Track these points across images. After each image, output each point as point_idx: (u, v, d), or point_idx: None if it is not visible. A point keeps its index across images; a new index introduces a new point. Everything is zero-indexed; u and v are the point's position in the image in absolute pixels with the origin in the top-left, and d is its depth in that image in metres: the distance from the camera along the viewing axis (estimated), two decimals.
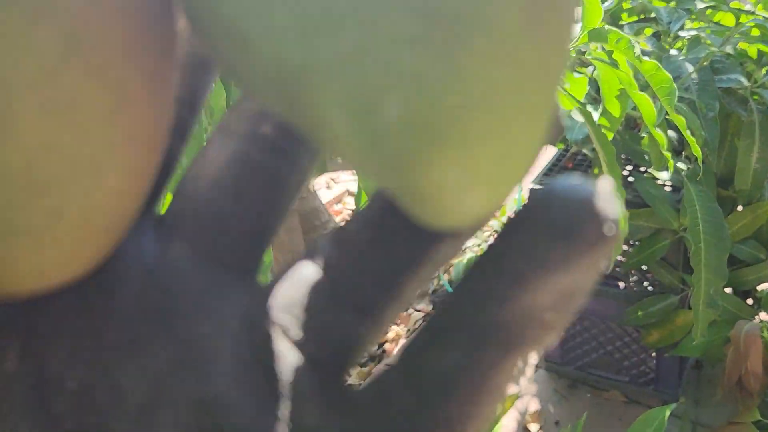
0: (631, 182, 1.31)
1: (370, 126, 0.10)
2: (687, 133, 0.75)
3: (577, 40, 0.73)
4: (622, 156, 1.45)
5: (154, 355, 0.14)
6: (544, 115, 0.12)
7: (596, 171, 1.12)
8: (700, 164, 1.04)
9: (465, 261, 2.14)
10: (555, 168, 1.48)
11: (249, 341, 0.15)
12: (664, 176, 1.28)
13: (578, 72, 0.84)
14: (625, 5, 1.32)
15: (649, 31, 1.38)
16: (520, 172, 0.13)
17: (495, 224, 2.30)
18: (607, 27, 0.70)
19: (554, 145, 1.29)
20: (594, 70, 0.91)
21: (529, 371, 1.71)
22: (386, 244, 0.15)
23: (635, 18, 1.29)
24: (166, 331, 0.14)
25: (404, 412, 0.14)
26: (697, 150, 0.76)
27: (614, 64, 0.78)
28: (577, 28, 0.74)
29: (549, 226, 0.13)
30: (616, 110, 0.86)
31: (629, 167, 1.43)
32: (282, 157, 0.17)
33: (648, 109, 0.76)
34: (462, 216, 0.13)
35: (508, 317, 0.13)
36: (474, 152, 0.11)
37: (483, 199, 0.12)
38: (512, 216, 0.14)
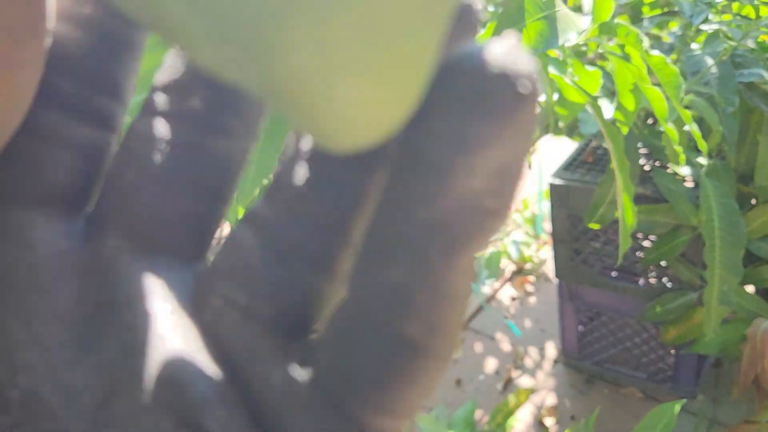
0: (650, 177, 1.30)
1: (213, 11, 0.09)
2: (693, 128, 0.75)
3: (587, 34, 0.73)
4: (642, 150, 1.44)
5: (102, 349, 0.14)
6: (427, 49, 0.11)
7: (611, 165, 1.11)
8: (706, 158, 1.03)
9: (485, 254, 2.14)
10: (575, 162, 1.47)
11: (198, 319, 0.15)
12: (684, 171, 1.27)
13: (591, 65, 0.83)
14: None
15: (674, 25, 1.36)
16: (418, 59, 0.11)
17: (518, 218, 2.30)
18: (616, 20, 0.69)
19: (572, 138, 1.28)
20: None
21: (547, 365, 1.71)
22: (319, 186, 0.14)
23: (658, 11, 1.28)
24: (109, 324, 0.14)
25: (366, 344, 0.13)
26: (702, 145, 0.76)
27: (626, 58, 0.78)
28: (588, 21, 0.74)
29: (458, 103, 0.12)
30: (630, 104, 0.86)
31: (650, 162, 1.42)
32: (215, 134, 0.16)
33: (660, 103, 0.76)
34: (351, 119, 0.11)
35: (445, 214, 0.12)
36: (343, 23, 0.09)
37: (369, 92, 0.10)
38: (417, 106, 0.13)
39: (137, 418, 0.13)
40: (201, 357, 0.14)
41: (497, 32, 0.63)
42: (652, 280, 1.41)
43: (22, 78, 0.13)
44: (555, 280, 2.02)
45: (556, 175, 1.43)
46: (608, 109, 0.90)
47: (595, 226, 1.20)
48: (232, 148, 0.16)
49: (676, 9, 1.25)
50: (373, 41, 0.09)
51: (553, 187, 1.42)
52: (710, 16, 1.12)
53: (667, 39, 1.21)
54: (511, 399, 1.45)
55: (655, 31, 1.32)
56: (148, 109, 0.16)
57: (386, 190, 0.13)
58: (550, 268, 2.08)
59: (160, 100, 0.16)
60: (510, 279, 2.08)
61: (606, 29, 0.71)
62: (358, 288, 0.14)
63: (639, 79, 0.76)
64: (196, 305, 0.15)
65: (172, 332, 0.14)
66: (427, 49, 0.11)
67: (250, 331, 0.14)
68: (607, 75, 0.99)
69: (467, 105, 0.12)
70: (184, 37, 0.10)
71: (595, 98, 0.75)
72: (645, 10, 1.21)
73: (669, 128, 0.77)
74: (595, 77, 0.81)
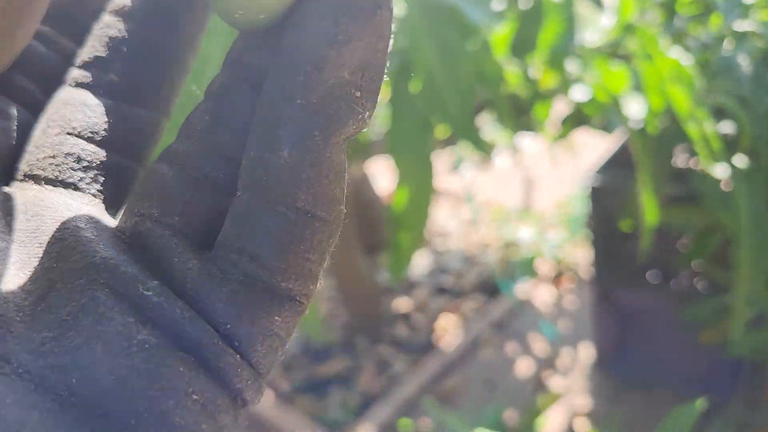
0: (683, 176, 1.28)
1: None
2: (710, 128, 0.74)
3: (609, 35, 0.73)
4: (677, 148, 1.41)
5: (35, 261, 0.16)
6: None
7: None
8: (744, 158, 1.01)
9: (522, 254, 2.13)
10: (613, 162, 1.46)
11: (122, 233, 0.17)
12: (720, 173, 1.25)
13: (622, 62, 0.83)
14: None
15: (716, 21, 1.33)
16: None
17: (557, 217, 2.28)
18: (636, 21, 0.70)
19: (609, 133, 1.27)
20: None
21: (581, 367, 1.69)
22: (218, 124, 0.17)
23: (693, 9, 1.25)
24: (40, 243, 0.16)
25: (264, 219, 0.16)
26: (716, 145, 0.75)
27: (650, 57, 0.77)
28: (612, 20, 0.74)
29: (328, 6, 0.15)
30: (657, 103, 0.86)
31: (688, 161, 1.39)
32: (132, 104, 0.19)
33: (680, 102, 0.76)
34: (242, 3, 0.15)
35: (321, 99, 0.15)
36: None
37: None
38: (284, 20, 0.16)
39: (75, 298, 0.15)
40: (127, 251, 0.16)
41: (521, 34, 0.64)
42: (688, 283, 1.39)
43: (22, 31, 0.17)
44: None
45: (594, 175, 1.42)
46: (637, 108, 0.90)
47: (627, 229, 1.19)
48: (147, 118, 0.19)
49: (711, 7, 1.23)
50: None
51: (589, 187, 1.41)
52: (746, 16, 1.10)
53: (701, 37, 1.19)
54: (542, 399, 1.45)
55: (690, 30, 1.29)
56: (76, 82, 0.19)
57: (269, 83, 0.16)
58: (586, 270, 2.06)
59: (86, 74, 0.19)
60: (546, 280, 2.07)
61: (627, 30, 0.71)
62: (252, 172, 0.16)
63: (661, 79, 0.76)
64: (119, 226, 0.17)
65: (97, 235, 0.16)
66: None
67: (164, 235, 0.16)
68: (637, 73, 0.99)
69: (335, 8, 0.15)
70: None
71: (616, 98, 0.75)
72: (678, 7, 1.19)
73: (691, 128, 0.76)
74: (621, 76, 0.81)
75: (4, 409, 0.13)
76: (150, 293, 0.15)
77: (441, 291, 2.13)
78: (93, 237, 0.16)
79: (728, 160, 1.17)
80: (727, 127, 1.21)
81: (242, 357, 0.16)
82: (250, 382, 0.16)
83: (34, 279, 0.16)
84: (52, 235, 0.16)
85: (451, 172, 2.95)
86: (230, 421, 0.16)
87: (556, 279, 2.03)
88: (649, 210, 0.77)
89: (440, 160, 3.03)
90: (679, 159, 1.43)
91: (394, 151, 0.68)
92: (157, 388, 0.15)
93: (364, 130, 0.17)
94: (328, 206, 0.16)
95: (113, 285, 0.15)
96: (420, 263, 2.29)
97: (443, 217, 2.58)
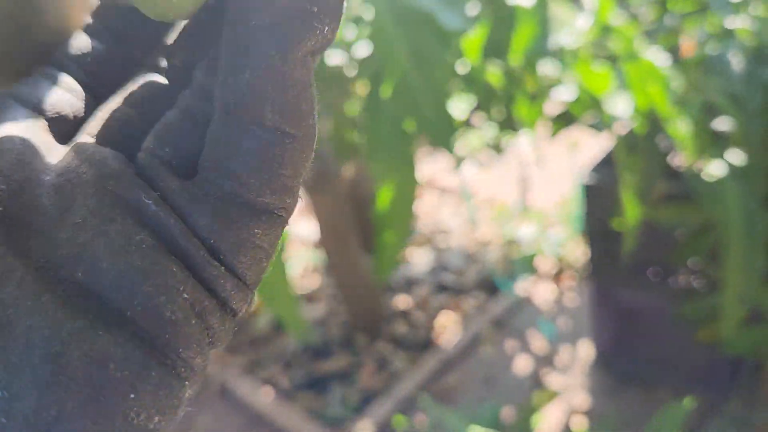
0: (679, 174, 1.28)
1: None
2: (680, 128, 0.74)
3: (587, 36, 0.73)
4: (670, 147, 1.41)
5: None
6: None
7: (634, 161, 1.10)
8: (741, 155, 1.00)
9: (523, 252, 2.13)
10: (610, 160, 1.45)
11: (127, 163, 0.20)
12: (714, 169, 1.24)
13: (599, 65, 0.83)
14: None
15: (713, 20, 1.32)
16: None
17: (558, 215, 2.27)
18: (613, 23, 0.69)
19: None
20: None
21: (580, 365, 1.69)
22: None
23: (689, 6, 1.25)
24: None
25: (237, 141, 0.17)
26: (678, 135, 0.75)
27: (632, 56, 0.77)
28: (590, 22, 0.74)
29: None
30: (643, 101, 0.85)
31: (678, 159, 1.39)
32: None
33: (661, 102, 0.75)
34: (164, 9, 0.18)
35: (277, 17, 0.16)
36: None
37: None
38: None
39: (87, 203, 0.17)
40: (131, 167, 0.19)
41: (493, 38, 0.64)
42: (684, 280, 1.38)
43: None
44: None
45: (589, 174, 1.42)
46: (620, 106, 0.90)
47: (619, 227, 1.18)
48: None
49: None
50: None
51: (585, 186, 1.41)
52: (738, 12, 1.09)
53: (693, 35, 1.19)
54: (539, 395, 1.45)
55: (684, 27, 1.29)
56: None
57: (228, 11, 0.17)
58: (585, 267, 2.05)
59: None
60: (546, 278, 2.07)
61: (605, 31, 0.71)
62: (222, 96, 0.17)
63: (643, 79, 0.76)
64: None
65: (108, 155, 0.19)
66: None
67: (153, 163, 0.18)
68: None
69: None
70: None
71: (596, 100, 0.75)
72: (670, 4, 1.19)
73: (673, 128, 0.76)
74: (604, 77, 0.81)
75: (22, 294, 0.16)
76: (150, 202, 0.17)
77: (441, 288, 2.13)
78: (106, 155, 0.18)
79: (720, 157, 1.17)
80: (720, 123, 1.20)
81: (227, 269, 0.18)
82: (234, 291, 0.18)
83: (61, 187, 0.18)
84: (78, 156, 0.18)
85: (452, 170, 2.95)
86: (218, 325, 0.18)
87: (557, 276, 2.03)
88: (631, 211, 0.77)
89: (440, 159, 3.03)
90: (674, 157, 1.43)
91: (370, 155, 0.68)
92: (151, 285, 0.16)
93: (328, 46, 0.18)
94: (296, 122, 0.17)
95: (118, 192, 0.17)
96: (420, 261, 2.29)
97: (444, 215, 2.58)
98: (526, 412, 1.43)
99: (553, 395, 1.41)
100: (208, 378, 1.93)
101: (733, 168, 1.08)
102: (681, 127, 0.70)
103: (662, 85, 0.70)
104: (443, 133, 0.66)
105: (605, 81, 0.80)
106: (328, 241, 1.79)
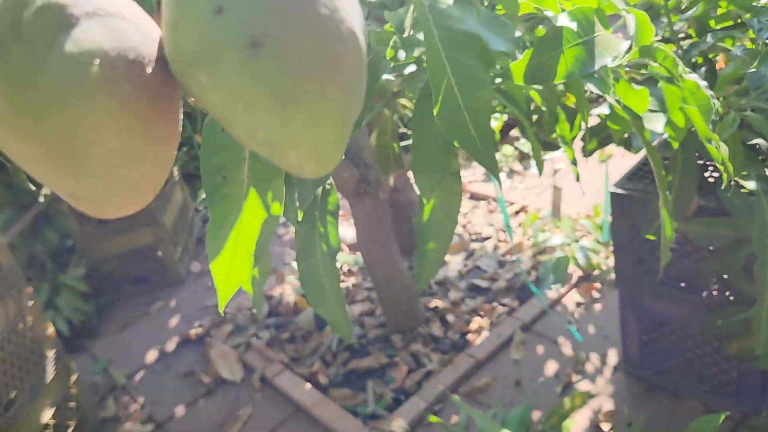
0: (714, 190, 1.31)
1: (256, 136, 0.27)
2: (722, 150, 0.78)
3: (628, 57, 0.78)
4: (708, 162, 1.43)
5: None
6: (337, 132, 0.26)
7: (669, 177, 1.13)
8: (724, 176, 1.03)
9: (553, 260, 2.16)
10: (639, 172, 1.49)
11: None
12: (750, 185, 1.27)
13: (638, 84, 0.88)
14: (720, 11, 1.30)
15: (750, 36, 1.35)
16: (333, 158, 0.27)
17: (588, 224, 2.30)
18: (655, 44, 0.74)
19: (630, 150, 1.30)
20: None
21: (607, 371, 1.72)
22: None
23: (728, 23, 1.28)
24: None
25: None
26: (729, 166, 0.78)
27: (671, 80, 0.82)
28: (628, 44, 0.79)
29: None
30: (680, 120, 0.90)
31: (715, 174, 1.41)
32: None
33: (700, 123, 0.80)
34: (305, 173, 0.27)
35: None
36: (304, 149, 0.27)
37: (314, 170, 0.27)
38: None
39: None
40: None
41: (534, 59, 0.69)
42: (715, 293, 1.41)
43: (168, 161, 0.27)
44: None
45: (619, 184, 1.45)
46: (659, 125, 0.94)
47: (651, 237, 1.22)
48: None
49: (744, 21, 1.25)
50: (320, 156, 0.29)
51: (615, 196, 1.44)
52: None
53: (731, 47, 1.22)
54: (567, 402, 1.49)
55: (727, 43, 1.31)
56: None
57: None
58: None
59: None
60: (576, 285, 2.10)
61: (646, 53, 0.76)
62: None
63: (682, 100, 0.80)
64: None
65: None
66: (337, 153, 0.29)
67: None
68: (660, 91, 1.03)
69: None
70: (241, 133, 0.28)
71: (638, 117, 0.80)
72: (711, 23, 1.22)
73: (711, 148, 0.80)
74: (643, 96, 0.86)
75: None
76: None
77: (475, 293, 2.18)
78: None
79: (756, 173, 1.20)
80: (756, 140, 1.23)
81: None
82: None
83: None
84: None
85: (485, 179, 2.99)
86: None
87: (587, 284, 2.06)
88: (667, 227, 0.81)
89: (474, 168, 3.08)
90: (710, 172, 1.45)
91: (416, 169, 0.74)
92: None
93: None
94: None
95: None
96: (454, 266, 2.34)
97: (477, 222, 2.63)
98: (557, 416, 1.47)
99: (584, 399, 1.45)
100: (251, 371, 2.01)
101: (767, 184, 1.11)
102: (717, 146, 0.74)
103: (705, 106, 0.74)
104: (486, 151, 0.71)
105: (644, 99, 0.85)
106: (367, 244, 1.85)
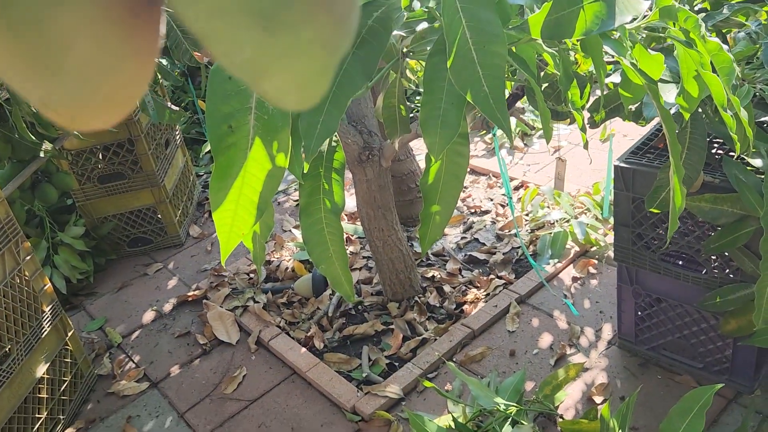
0: (719, 165, 1.30)
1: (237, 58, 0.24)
2: (743, 116, 0.77)
3: (648, 18, 0.76)
4: (715, 139, 1.42)
5: None
6: (322, 62, 0.25)
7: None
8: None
9: (551, 235, 2.16)
10: (644, 148, 1.48)
11: None
12: (757, 163, 1.26)
13: (653, 50, 0.86)
14: None
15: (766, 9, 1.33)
16: (316, 90, 0.25)
17: (588, 201, 2.29)
18: (677, 5, 0.73)
19: (638, 123, 1.29)
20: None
21: (601, 346, 1.73)
22: None
23: None
24: None
25: None
26: (750, 132, 0.78)
27: (689, 44, 0.80)
28: (648, 4, 0.77)
29: None
30: (694, 90, 0.88)
31: (723, 150, 1.40)
32: None
33: (718, 89, 0.79)
34: (286, 105, 0.24)
35: None
36: (285, 77, 0.25)
37: (294, 101, 0.25)
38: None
39: None
40: None
41: (553, 13, 0.68)
42: (715, 271, 1.41)
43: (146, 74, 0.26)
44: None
45: (623, 158, 1.45)
46: (670, 94, 0.93)
47: (655, 211, 1.22)
48: None
49: None
50: (303, 85, 0.25)
51: (618, 170, 1.44)
52: None
53: (749, 26, 1.20)
54: (561, 373, 1.50)
55: (740, 18, 1.30)
56: None
57: None
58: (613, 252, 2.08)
59: None
60: (573, 260, 2.10)
61: (666, 13, 0.75)
62: None
63: (700, 65, 0.79)
64: None
65: None
66: (327, 74, 0.26)
67: None
68: (675, 60, 1.01)
69: None
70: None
71: (654, 82, 0.78)
72: None
73: (726, 116, 0.79)
74: (658, 61, 0.84)
75: None
76: None
77: (472, 265, 2.18)
78: None
79: (766, 149, 1.19)
80: (766, 116, 1.22)
81: None
82: None
83: None
84: None
85: (484, 154, 2.98)
86: None
87: (584, 260, 2.06)
88: (678, 196, 0.80)
89: (477, 143, 3.07)
90: (715, 148, 1.44)
91: (425, 127, 0.73)
92: None
93: None
94: None
95: None
96: (453, 239, 2.34)
97: (479, 196, 2.63)
98: (551, 386, 1.48)
99: (578, 371, 1.46)
100: (247, 333, 2.02)
101: None
102: (737, 112, 0.73)
103: (728, 69, 0.73)
104: (497, 107, 0.70)
105: (660, 64, 0.84)
106: (367, 211, 1.84)
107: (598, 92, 1.24)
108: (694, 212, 1.30)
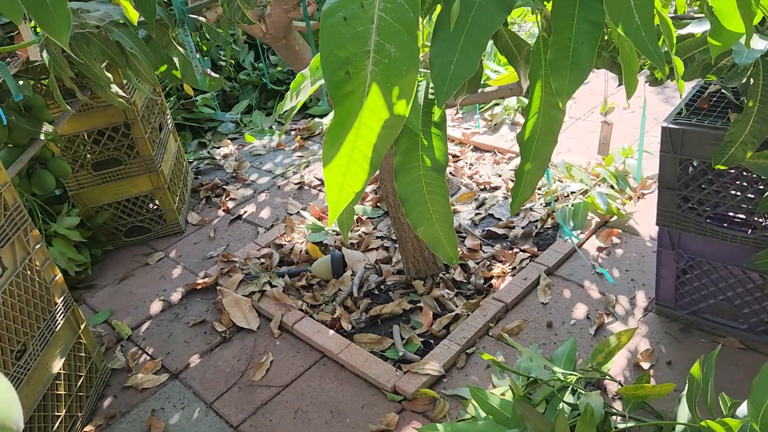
0: None
1: None
2: None
3: None
4: None
5: None
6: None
7: (750, 104, 1.10)
8: None
9: (571, 206, 2.14)
10: (689, 108, 1.46)
11: None
12: None
13: None
14: None
15: None
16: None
17: (603, 172, 2.28)
18: None
19: (705, 78, 1.27)
20: None
21: (638, 313, 1.72)
22: None
23: None
24: None
25: None
26: None
27: None
28: None
29: None
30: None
31: None
32: None
33: None
34: None
35: None
36: None
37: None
38: None
39: None
40: None
41: None
42: (765, 231, 1.40)
43: None
44: (642, 233, 2.02)
45: (670, 120, 1.42)
46: (760, 42, 0.89)
47: (722, 167, 1.19)
48: None
49: None
50: None
51: (666, 131, 1.41)
52: None
53: None
54: (613, 340, 1.47)
55: None
56: None
57: None
58: (636, 222, 2.08)
59: None
60: (596, 231, 2.09)
61: None
62: None
63: None
64: None
65: None
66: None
67: None
68: None
69: None
70: None
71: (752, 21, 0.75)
72: None
73: None
74: None
75: None
76: None
77: (492, 240, 2.15)
78: None
79: None
80: None
81: None
82: None
83: None
84: None
85: (490, 131, 2.95)
86: None
87: (608, 230, 2.05)
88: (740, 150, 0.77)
89: (476, 121, 3.03)
90: None
91: (553, 67, 0.67)
92: None
93: None
94: None
95: None
96: (467, 215, 2.31)
97: (486, 172, 2.59)
98: (603, 354, 1.46)
99: (630, 334, 1.43)
100: (268, 319, 1.94)
101: None
102: None
103: None
104: (650, 40, 0.65)
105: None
106: (393, 187, 1.78)
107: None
108: (752, 170, 1.29)
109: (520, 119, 3.00)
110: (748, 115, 1.11)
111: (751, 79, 1.11)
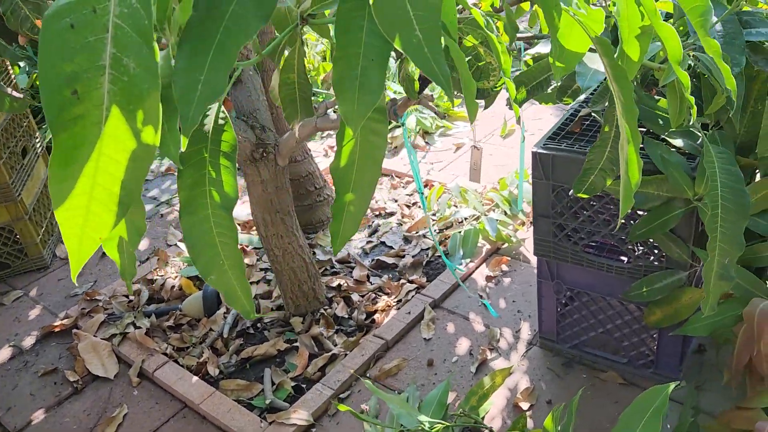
0: (642, 147, 1.22)
1: None
2: (683, 74, 0.66)
3: None
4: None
5: None
6: None
7: (606, 129, 1.03)
8: (711, 125, 0.95)
9: (462, 233, 2.06)
10: (561, 132, 1.39)
11: None
12: (678, 143, 1.20)
13: (594, 4, 0.74)
14: None
15: None
16: None
17: (496, 197, 2.22)
18: None
19: (562, 101, 1.19)
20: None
21: (522, 347, 1.63)
22: None
23: None
24: None
25: None
26: (686, 80, 0.67)
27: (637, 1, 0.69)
28: None
29: None
30: (635, 52, 0.78)
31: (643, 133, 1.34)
32: None
33: (674, 43, 0.67)
34: None
35: None
36: None
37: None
38: None
39: None
40: None
41: None
42: (639, 259, 1.34)
43: None
44: (532, 260, 1.94)
45: (540, 144, 1.35)
46: (599, 63, 0.82)
47: (583, 196, 1.11)
48: None
49: None
50: None
51: (537, 156, 1.34)
52: None
53: None
54: (487, 381, 1.37)
55: None
56: None
57: None
58: (527, 249, 2.01)
59: None
60: (486, 259, 2.00)
61: None
62: None
63: (651, 13, 0.67)
64: None
65: None
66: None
67: None
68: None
69: None
70: None
71: (599, 38, 0.66)
72: None
73: (682, 73, 0.68)
74: (599, 16, 0.72)
75: None
76: None
77: (381, 270, 2.03)
78: None
79: (692, 128, 1.12)
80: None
81: None
82: None
83: None
84: None
85: (389, 153, 2.85)
86: None
87: (497, 258, 1.97)
88: (633, 167, 0.69)
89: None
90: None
91: (339, 88, 0.55)
92: None
93: None
94: None
95: None
96: (359, 243, 2.18)
97: (382, 198, 2.48)
98: (477, 396, 1.35)
99: (504, 376, 1.34)
100: (128, 365, 1.74)
101: (710, 139, 1.03)
102: (718, 61, 0.63)
103: (702, 7, 0.62)
104: (435, 58, 0.55)
105: (600, 21, 0.72)
106: (263, 216, 1.64)
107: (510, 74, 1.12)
108: (617, 197, 1.22)
109: (420, 141, 2.93)
110: (605, 141, 1.04)
111: (607, 103, 1.04)
